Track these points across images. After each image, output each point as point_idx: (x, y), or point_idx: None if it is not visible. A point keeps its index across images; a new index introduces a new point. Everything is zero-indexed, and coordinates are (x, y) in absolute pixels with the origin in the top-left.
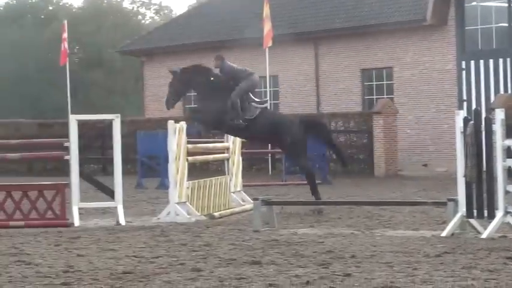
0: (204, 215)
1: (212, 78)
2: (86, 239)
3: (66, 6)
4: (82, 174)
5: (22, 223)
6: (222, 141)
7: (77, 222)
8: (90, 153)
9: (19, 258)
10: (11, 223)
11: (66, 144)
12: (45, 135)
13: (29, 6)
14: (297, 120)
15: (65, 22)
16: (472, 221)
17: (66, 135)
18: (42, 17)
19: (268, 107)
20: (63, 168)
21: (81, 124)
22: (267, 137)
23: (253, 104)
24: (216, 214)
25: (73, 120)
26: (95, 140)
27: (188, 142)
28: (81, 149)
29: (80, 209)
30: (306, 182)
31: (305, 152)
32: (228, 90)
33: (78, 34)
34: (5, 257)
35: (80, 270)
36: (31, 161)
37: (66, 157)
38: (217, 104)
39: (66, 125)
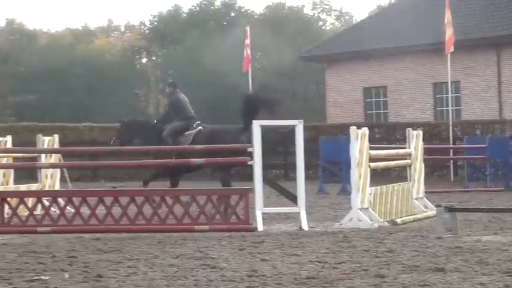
0: (387, 221)
1: (156, 121)
2: (270, 243)
3: (248, 13)
4: (265, 180)
5: (206, 227)
6: (404, 147)
7: (260, 227)
8: (272, 158)
9: (204, 262)
10: (196, 227)
11: (249, 149)
12: None
13: (212, 13)
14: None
15: (248, 28)
16: None
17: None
18: (224, 23)
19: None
20: (246, 173)
21: (265, 129)
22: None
23: (185, 133)
24: (399, 220)
25: (257, 125)
26: (278, 145)
27: (370, 148)
28: (264, 154)
29: (263, 213)
30: (489, 188)
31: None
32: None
33: (260, 40)
34: (190, 260)
35: (264, 275)
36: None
37: (250, 162)
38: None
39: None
